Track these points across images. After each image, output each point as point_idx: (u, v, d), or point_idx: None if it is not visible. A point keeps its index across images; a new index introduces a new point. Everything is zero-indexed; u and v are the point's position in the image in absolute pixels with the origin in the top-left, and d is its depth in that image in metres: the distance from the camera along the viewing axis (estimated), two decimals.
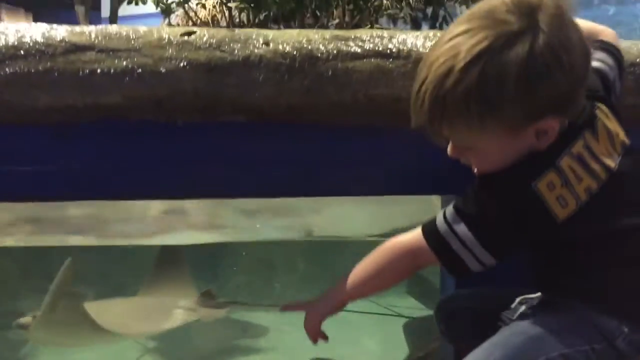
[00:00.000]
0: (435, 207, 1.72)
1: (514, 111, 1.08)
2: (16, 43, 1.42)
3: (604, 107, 1.22)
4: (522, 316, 1.29)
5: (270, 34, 1.53)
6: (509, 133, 1.11)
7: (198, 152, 1.57)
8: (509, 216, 1.14)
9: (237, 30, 1.54)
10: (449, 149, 1.20)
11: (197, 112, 1.51)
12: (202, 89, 1.47)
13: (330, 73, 1.49)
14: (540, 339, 1.15)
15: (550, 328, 1.17)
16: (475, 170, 1.21)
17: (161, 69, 1.45)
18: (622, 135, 1.21)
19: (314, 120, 1.53)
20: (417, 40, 1.55)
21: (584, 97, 1.16)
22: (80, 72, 1.43)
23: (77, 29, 1.47)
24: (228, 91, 1.48)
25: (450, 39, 1.10)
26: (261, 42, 1.50)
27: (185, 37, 1.49)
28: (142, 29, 1.50)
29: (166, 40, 1.48)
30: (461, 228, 1.17)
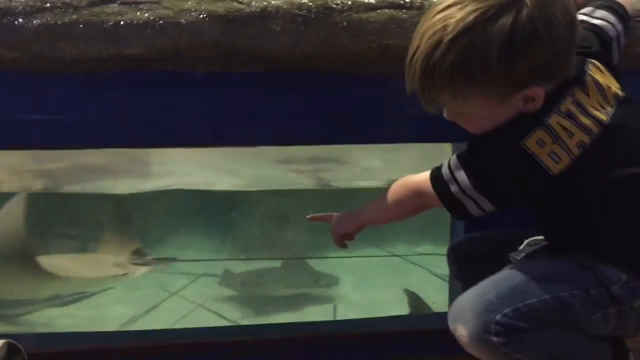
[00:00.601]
0: (447, 153, 1.78)
1: (498, 84, 1.14)
2: None
3: (596, 62, 1.26)
4: (526, 258, 1.36)
5: None
6: (495, 102, 1.17)
7: (217, 101, 1.62)
8: (504, 171, 1.21)
9: None
10: (444, 113, 1.26)
11: (216, 63, 1.56)
12: (221, 39, 1.52)
13: (345, 24, 1.53)
14: (537, 280, 1.21)
15: (548, 271, 1.24)
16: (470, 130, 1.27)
17: (181, 20, 1.50)
18: (614, 88, 1.25)
19: (330, 70, 1.57)
20: None
21: (572, 61, 1.20)
22: (105, 24, 1.48)
23: None
24: (246, 42, 1.53)
25: (441, 10, 1.15)
26: None
27: None
28: None
29: None
30: (461, 175, 1.25)
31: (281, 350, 1.88)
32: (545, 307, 1.19)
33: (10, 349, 1.45)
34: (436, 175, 1.30)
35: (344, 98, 1.63)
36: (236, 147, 1.76)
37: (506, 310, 1.18)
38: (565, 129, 1.18)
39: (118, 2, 1.50)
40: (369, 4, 1.55)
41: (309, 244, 5.23)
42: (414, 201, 1.36)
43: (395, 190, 1.39)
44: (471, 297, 1.23)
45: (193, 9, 1.51)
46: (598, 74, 1.25)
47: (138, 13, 1.49)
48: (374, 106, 1.65)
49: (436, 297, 3.35)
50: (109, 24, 1.48)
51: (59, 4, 1.47)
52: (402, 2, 1.56)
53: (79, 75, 1.53)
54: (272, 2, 1.53)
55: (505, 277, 1.25)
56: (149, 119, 1.60)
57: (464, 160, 1.25)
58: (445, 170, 1.28)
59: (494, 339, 1.17)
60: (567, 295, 1.20)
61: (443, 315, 1.29)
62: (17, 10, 1.45)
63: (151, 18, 1.49)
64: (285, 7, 1.53)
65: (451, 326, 1.24)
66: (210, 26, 1.51)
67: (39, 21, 1.46)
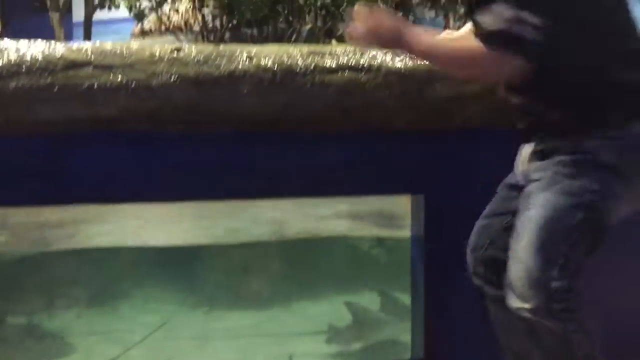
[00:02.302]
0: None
1: None
2: (18, 60, 1.54)
3: None
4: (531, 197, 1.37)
5: (253, 49, 1.67)
6: None
7: (187, 159, 1.70)
8: None
9: (222, 46, 1.68)
10: None
11: (187, 123, 1.64)
12: (191, 101, 1.60)
13: (308, 86, 1.64)
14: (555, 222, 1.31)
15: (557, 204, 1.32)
16: None
17: (153, 83, 1.59)
18: None
19: (294, 129, 1.67)
20: (386, 54, 1.70)
21: None
22: (79, 87, 1.55)
23: (75, 46, 1.59)
24: (215, 103, 1.62)
25: None
26: (245, 56, 1.64)
27: (175, 54, 1.62)
28: (135, 45, 1.63)
29: (157, 57, 1.61)
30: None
31: None
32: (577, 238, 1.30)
33: None
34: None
35: (308, 155, 1.73)
36: (206, 201, 1.83)
37: (554, 274, 1.28)
38: None
39: (92, 66, 1.57)
40: (330, 67, 1.66)
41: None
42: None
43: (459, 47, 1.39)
44: (517, 270, 1.31)
45: (164, 72, 1.60)
46: None
47: (111, 76, 1.57)
48: (336, 162, 1.75)
49: None
50: (83, 87, 1.55)
51: (34, 69, 1.54)
52: (360, 65, 1.68)
53: (54, 136, 1.59)
54: (240, 65, 1.63)
55: (530, 236, 1.31)
56: (121, 177, 1.66)
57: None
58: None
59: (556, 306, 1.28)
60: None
61: None
62: None
63: (124, 81, 1.57)
64: (252, 70, 1.63)
65: (514, 306, 1.31)
66: (181, 88, 1.59)
67: (15, 84, 1.52)
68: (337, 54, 1.69)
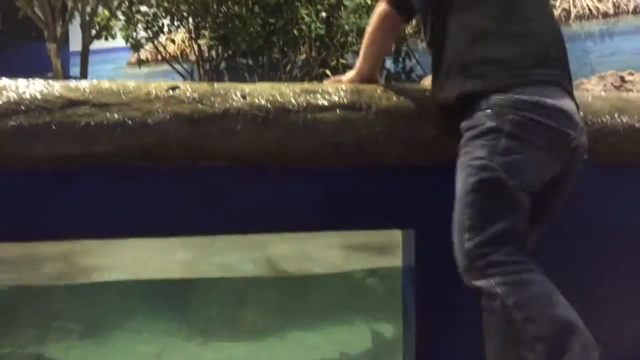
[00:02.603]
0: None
1: None
2: (17, 99, 1.58)
3: None
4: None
5: (247, 87, 1.72)
6: None
7: (181, 194, 1.72)
8: None
9: (216, 85, 1.72)
10: None
11: (181, 159, 1.68)
12: (185, 138, 1.64)
13: (300, 123, 1.68)
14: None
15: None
16: None
17: (149, 120, 1.62)
18: None
19: (286, 165, 1.71)
20: (377, 92, 1.75)
21: None
22: (76, 125, 1.58)
23: (72, 85, 1.63)
24: (209, 140, 1.65)
25: None
26: (239, 95, 1.68)
27: (171, 92, 1.66)
28: (132, 84, 1.67)
29: (153, 95, 1.65)
30: None
31: None
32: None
33: None
34: None
35: (300, 190, 1.76)
36: (201, 236, 1.85)
37: (465, 236, 1.48)
38: None
39: (89, 104, 1.61)
40: (323, 105, 1.70)
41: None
42: (377, 21, 1.68)
43: (371, 27, 1.71)
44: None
45: (160, 110, 1.63)
46: None
47: (108, 114, 1.61)
48: (328, 198, 1.78)
49: None
50: (80, 124, 1.59)
51: (33, 107, 1.58)
52: (352, 103, 1.72)
53: (50, 172, 1.62)
54: (234, 103, 1.67)
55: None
56: (116, 212, 1.68)
57: None
58: None
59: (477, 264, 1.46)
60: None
61: None
62: None
63: (120, 119, 1.61)
64: (246, 108, 1.67)
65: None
66: (176, 126, 1.63)
67: (14, 122, 1.55)
68: (329, 92, 1.73)
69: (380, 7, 1.67)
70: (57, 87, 1.61)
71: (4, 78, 1.63)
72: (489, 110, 1.48)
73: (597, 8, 10.41)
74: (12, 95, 1.58)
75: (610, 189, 1.91)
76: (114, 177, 1.66)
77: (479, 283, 1.44)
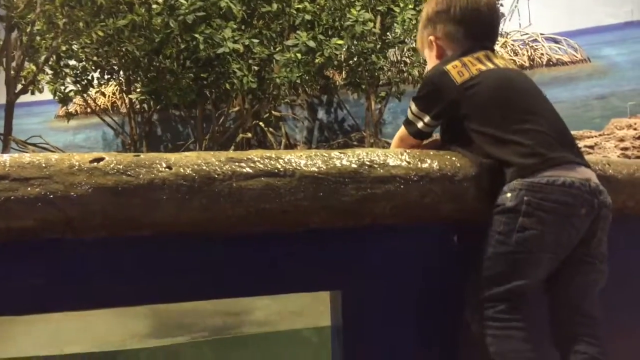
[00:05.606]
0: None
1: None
2: None
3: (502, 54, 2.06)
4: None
5: (172, 157, 1.74)
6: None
7: (105, 264, 1.71)
8: (431, 84, 1.98)
9: (142, 155, 1.74)
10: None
11: (105, 230, 1.67)
12: (109, 210, 1.64)
13: (226, 191, 1.71)
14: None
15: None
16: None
17: (72, 193, 1.61)
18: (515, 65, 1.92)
19: (212, 233, 1.73)
20: (300, 159, 1.81)
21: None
22: None
23: None
24: (134, 211, 1.66)
25: None
26: (164, 166, 1.70)
27: (95, 164, 1.66)
28: (54, 157, 1.66)
29: (77, 167, 1.64)
30: (412, 106, 2.02)
31: None
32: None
33: None
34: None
35: (228, 257, 1.78)
36: (125, 307, 1.83)
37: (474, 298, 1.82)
38: (472, 63, 1.93)
39: (10, 179, 1.59)
40: (247, 173, 1.74)
41: None
42: (399, 144, 2.07)
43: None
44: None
45: (83, 183, 1.63)
46: (500, 58, 2.03)
47: (29, 188, 1.59)
48: (256, 262, 1.80)
49: None
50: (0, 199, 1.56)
51: None
52: (276, 171, 1.77)
53: None
54: (159, 174, 1.69)
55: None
56: (35, 287, 1.65)
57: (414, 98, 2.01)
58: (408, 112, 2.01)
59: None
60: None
61: None
62: None
63: (42, 193, 1.59)
64: (171, 178, 1.69)
65: None
66: (100, 198, 1.63)
67: None
68: (254, 160, 1.77)
69: (403, 132, 2.05)
70: None
71: None
72: (509, 194, 1.78)
73: (514, 61, 11.05)
74: None
75: None
76: (35, 251, 1.63)
77: (473, 327, 1.78)
